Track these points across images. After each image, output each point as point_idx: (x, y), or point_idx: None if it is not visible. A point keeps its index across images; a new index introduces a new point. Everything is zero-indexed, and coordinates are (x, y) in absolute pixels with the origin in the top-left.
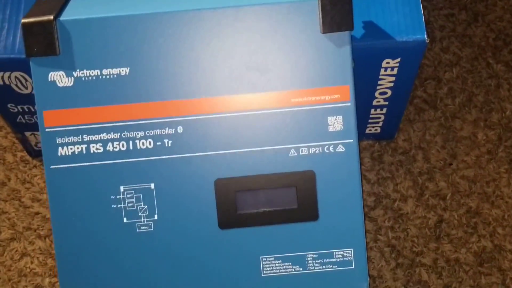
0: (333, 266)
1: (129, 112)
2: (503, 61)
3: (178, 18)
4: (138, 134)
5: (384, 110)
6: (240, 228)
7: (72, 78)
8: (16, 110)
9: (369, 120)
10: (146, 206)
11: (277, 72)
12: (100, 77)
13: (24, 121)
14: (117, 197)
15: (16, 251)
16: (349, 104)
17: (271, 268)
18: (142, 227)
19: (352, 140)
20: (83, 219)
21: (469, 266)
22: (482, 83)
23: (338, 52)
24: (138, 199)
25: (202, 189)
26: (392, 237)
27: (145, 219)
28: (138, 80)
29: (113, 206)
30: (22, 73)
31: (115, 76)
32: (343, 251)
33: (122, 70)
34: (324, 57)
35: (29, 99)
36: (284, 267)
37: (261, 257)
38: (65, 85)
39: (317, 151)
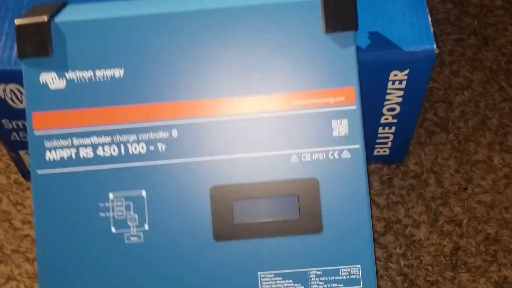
0: (339, 285)
1: (122, 114)
2: None
3: (175, 19)
4: (130, 138)
5: (393, 129)
6: (237, 240)
7: (65, 80)
8: (10, 126)
9: (377, 140)
10: (136, 215)
11: (278, 74)
12: (94, 79)
13: (18, 139)
14: (106, 205)
15: (2, 274)
16: (355, 107)
17: (270, 285)
18: (131, 238)
19: (358, 146)
20: (69, 228)
21: None
22: (496, 106)
23: (342, 53)
24: (128, 208)
25: (196, 197)
26: (404, 265)
27: (134, 229)
28: (132, 81)
29: (101, 214)
30: (17, 86)
31: (109, 78)
32: (349, 267)
33: (117, 72)
34: (328, 58)
35: (24, 114)
36: (285, 285)
37: (259, 273)
38: (57, 87)
39: (320, 158)
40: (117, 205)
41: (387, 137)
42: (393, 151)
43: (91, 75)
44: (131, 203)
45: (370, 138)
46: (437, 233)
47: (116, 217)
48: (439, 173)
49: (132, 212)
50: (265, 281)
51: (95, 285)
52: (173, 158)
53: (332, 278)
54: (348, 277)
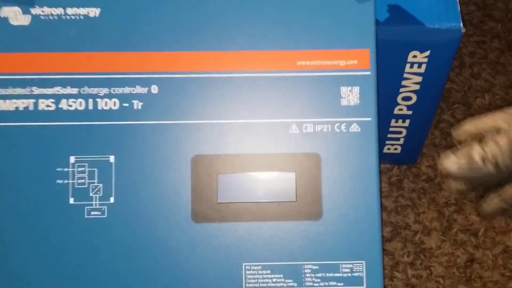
0: (338, 284)
1: (94, 62)
2: None
3: None
4: (101, 91)
5: (407, 123)
6: (219, 222)
7: (29, 16)
8: None
9: (389, 135)
10: (100, 185)
11: (281, 29)
12: (64, 17)
13: None
14: (65, 169)
15: None
16: (369, 73)
17: (256, 279)
18: (92, 213)
19: (370, 119)
20: (19, 194)
21: None
22: None
23: (358, 9)
24: (91, 175)
25: (175, 168)
26: (412, 275)
27: (97, 202)
28: (109, 24)
29: (58, 181)
30: None
31: (81, 17)
32: (352, 263)
33: (92, 11)
34: (341, 14)
35: None
36: (274, 280)
37: (244, 264)
38: (19, 23)
39: (324, 130)
40: (78, 172)
41: (400, 132)
42: (405, 150)
43: (61, 12)
44: (96, 170)
45: (381, 133)
46: (450, 242)
47: (76, 185)
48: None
49: (96, 181)
50: (251, 274)
51: (47, 264)
52: (150, 119)
53: (331, 274)
54: (349, 274)
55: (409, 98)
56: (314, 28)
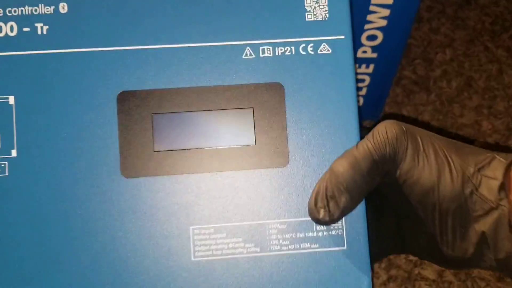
0: (312, 245)
1: None
2: (503, 46)
3: None
4: None
5: (371, 68)
6: (156, 176)
7: None
8: None
9: None
10: None
11: None
12: None
13: None
14: None
15: None
16: None
17: (208, 246)
18: None
19: (343, 37)
20: None
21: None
22: (482, 68)
23: None
24: None
25: (95, 109)
26: None
27: None
28: None
29: None
30: None
31: None
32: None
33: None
34: None
35: None
36: (231, 245)
37: (191, 227)
38: None
39: (287, 53)
40: None
41: (363, 80)
42: (368, 103)
43: None
44: None
45: None
46: None
47: None
48: None
49: None
50: (200, 240)
51: None
52: (59, 46)
53: (303, 235)
54: (325, 233)
55: (374, 37)
56: None
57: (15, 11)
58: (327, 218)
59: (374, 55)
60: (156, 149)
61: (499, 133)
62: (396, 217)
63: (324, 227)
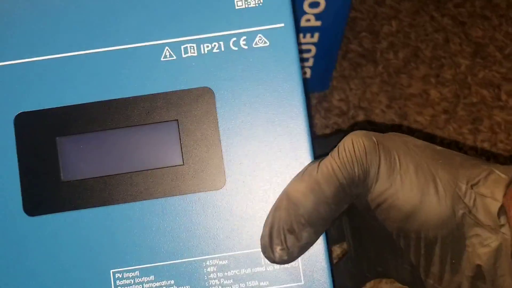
0: (261, 283)
1: None
2: (448, 14)
3: None
4: None
5: (316, 37)
6: (66, 212)
7: None
8: None
9: None
10: None
11: None
12: None
13: None
14: None
15: None
16: None
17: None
18: None
19: (283, 25)
20: None
21: None
22: (428, 37)
23: None
24: None
25: None
26: None
27: None
28: None
29: None
30: None
31: None
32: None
33: None
34: None
35: None
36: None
37: (112, 271)
38: None
39: (215, 50)
40: None
41: (309, 50)
42: (315, 74)
43: None
44: None
45: None
46: None
47: None
48: (368, 109)
49: None
50: (123, 285)
51: None
52: None
53: (248, 270)
54: (277, 266)
55: (317, 4)
56: None
57: None
58: (285, 257)
59: (318, 23)
60: (64, 179)
61: (447, 101)
62: (374, 243)
63: (276, 255)
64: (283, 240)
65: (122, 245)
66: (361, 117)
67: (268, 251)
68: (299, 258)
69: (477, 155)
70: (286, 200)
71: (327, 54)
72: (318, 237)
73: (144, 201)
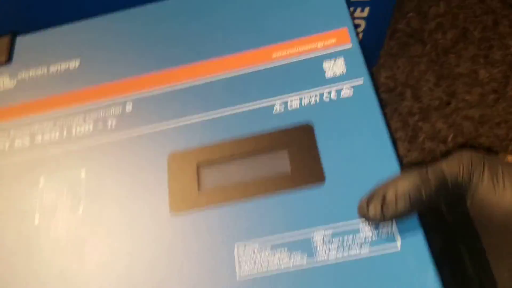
0: (363, 247)
1: (71, 99)
2: None
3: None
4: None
5: (366, 12)
6: (201, 209)
7: (15, 80)
8: None
9: None
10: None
11: (250, 28)
12: (47, 73)
13: None
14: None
15: None
16: (350, 45)
17: (253, 262)
18: None
19: (362, 80)
20: None
21: None
22: (477, 19)
23: None
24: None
25: (150, 166)
26: None
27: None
28: (87, 69)
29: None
30: None
31: (63, 71)
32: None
33: (72, 63)
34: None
35: None
36: (276, 261)
37: (236, 243)
38: (6, 88)
39: (312, 102)
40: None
41: (359, 25)
42: (364, 48)
43: (44, 71)
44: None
45: None
46: (417, 151)
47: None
48: (415, 87)
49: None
50: (245, 256)
51: None
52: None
53: (351, 236)
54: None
55: None
56: (285, 20)
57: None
58: (378, 217)
59: None
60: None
61: (496, 81)
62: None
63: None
64: (381, 202)
65: (244, 224)
66: (408, 94)
67: (364, 209)
68: (396, 229)
69: None
70: (393, 179)
71: (376, 29)
72: (412, 214)
73: (257, 199)
